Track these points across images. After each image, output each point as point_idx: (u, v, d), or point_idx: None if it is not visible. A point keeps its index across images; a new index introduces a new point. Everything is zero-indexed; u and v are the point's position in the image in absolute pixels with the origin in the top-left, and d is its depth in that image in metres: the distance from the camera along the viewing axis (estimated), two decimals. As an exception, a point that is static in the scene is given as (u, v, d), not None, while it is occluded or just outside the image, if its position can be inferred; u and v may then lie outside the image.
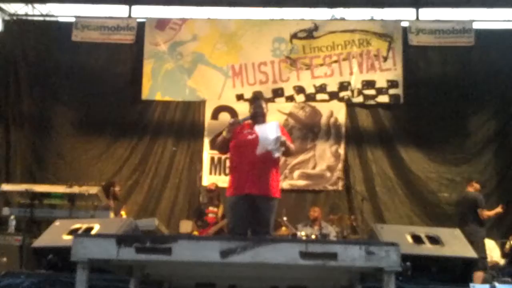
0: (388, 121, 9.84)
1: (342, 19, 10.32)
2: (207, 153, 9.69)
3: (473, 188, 7.90)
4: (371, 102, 9.84)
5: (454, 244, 4.80)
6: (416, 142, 9.67)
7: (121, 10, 10.51)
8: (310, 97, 9.88)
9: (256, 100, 5.04)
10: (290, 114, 9.78)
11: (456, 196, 9.10)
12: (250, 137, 4.77)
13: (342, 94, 9.85)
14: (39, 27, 10.39)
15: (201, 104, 9.98)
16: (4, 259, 6.55)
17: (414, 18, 10.20)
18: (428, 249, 4.72)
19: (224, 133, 4.84)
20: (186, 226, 8.58)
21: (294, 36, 10.03)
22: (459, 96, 9.71)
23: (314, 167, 9.67)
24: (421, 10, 10.22)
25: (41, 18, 10.53)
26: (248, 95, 9.82)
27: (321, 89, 9.89)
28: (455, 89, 9.71)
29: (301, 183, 9.63)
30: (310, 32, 10.03)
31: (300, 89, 9.91)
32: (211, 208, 8.16)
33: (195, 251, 2.29)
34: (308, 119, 9.80)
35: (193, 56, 10.09)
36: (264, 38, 10.08)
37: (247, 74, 9.99)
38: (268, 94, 9.81)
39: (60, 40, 10.17)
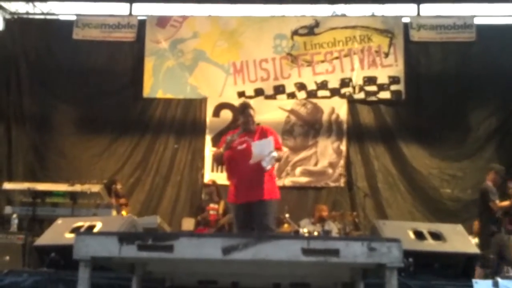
0: (390, 117, 9.81)
1: (343, 15, 10.28)
2: (209, 151, 9.66)
3: (489, 178, 7.20)
4: (373, 98, 9.81)
5: (457, 240, 4.77)
6: (418, 138, 9.64)
7: (121, 8, 10.50)
8: (311, 94, 9.85)
9: (244, 109, 5.35)
10: (292, 111, 9.75)
11: (458, 192, 9.09)
12: (242, 147, 5.14)
13: (343, 90, 9.82)
14: (40, 25, 10.34)
15: (202, 101, 9.96)
16: (7, 257, 6.54)
17: (415, 13, 10.16)
18: (430, 245, 4.70)
19: (222, 150, 5.25)
20: (188, 223, 8.58)
21: (295, 32, 10.00)
22: (461, 91, 9.67)
23: (316, 164, 9.65)
24: (422, 5, 10.18)
25: (42, 17, 10.48)
26: (249, 92, 9.84)
27: (323, 85, 9.86)
28: (456, 84, 9.68)
29: (303, 180, 9.61)
30: (311, 29, 10.00)
31: (301, 86, 9.88)
32: (211, 205, 8.08)
33: (197, 249, 2.29)
34: (309, 116, 9.77)
35: (194, 54, 10.07)
36: (265, 35, 10.05)
37: (248, 71, 9.97)
38: (269, 91, 9.83)
39: (61, 38, 10.15)
